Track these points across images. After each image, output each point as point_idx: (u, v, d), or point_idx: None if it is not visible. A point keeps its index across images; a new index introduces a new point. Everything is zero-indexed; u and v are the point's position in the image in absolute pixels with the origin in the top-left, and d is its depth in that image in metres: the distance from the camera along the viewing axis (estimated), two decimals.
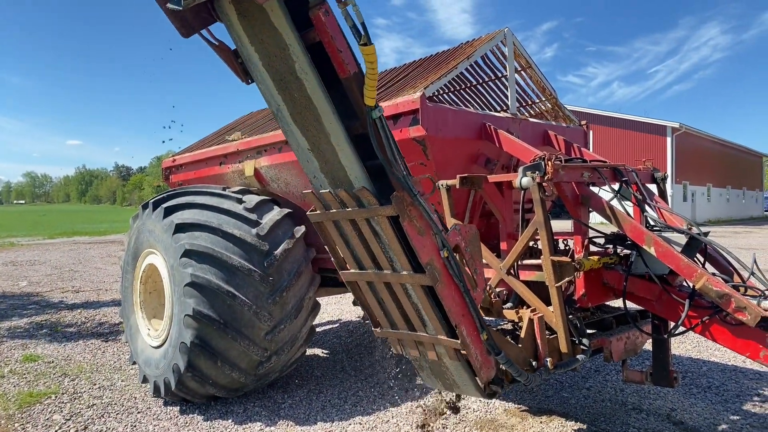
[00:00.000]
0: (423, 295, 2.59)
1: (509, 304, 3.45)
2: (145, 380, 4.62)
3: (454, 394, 3.45)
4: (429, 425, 3.82)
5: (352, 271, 2.84)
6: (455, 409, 3.67)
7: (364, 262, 2.71)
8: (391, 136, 2.34)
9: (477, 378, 2.78)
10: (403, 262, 2.52)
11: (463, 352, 2.66)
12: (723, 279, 2.85)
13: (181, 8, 1.99)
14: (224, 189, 4.77)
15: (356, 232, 2.61)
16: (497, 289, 3.47)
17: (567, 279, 3.00)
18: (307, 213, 2.76)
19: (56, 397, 4.61)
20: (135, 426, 4.00)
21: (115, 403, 4.44)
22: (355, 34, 2.15)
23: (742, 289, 2.75)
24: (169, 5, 2.01)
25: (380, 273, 2.67)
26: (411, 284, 2.59)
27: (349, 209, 2.51)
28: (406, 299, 2.70)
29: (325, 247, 2.88)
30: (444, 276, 2.53)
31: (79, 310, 8.29)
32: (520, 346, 2.97)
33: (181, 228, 4.18)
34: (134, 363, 4.87)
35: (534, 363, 2.97)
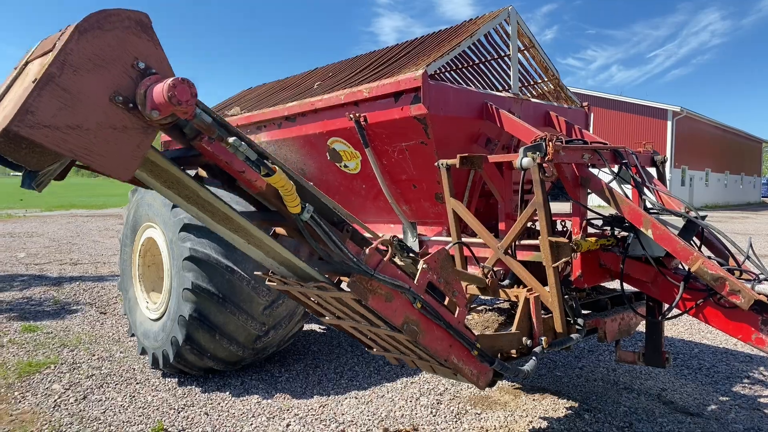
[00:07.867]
0: (408, 343, 2.56)
1: (506, 282, 3.48)
2: (143, 352, 4.67)
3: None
4: (423, 401, 3.88)
5: (330, 319, 2.79)
6: None
7: (342, 317, 2.67)
8: (327, 225, 2.17)
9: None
10: (381, 324, 2.46)
11: (456, 374, 2.68)
12: (718, 262, 2.88)
13: (38, 191, 1.84)
14: None
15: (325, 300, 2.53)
16: (494, 269, 3.50)
17: (564, 260, 3.03)
18: (267, 282, 2.65)
19: (55, 367, 4.66)
20: (134, 396, 4.05)
21: (114, 374, 4.50)
22: (254, 168, 1.93)
23: (736, 273, 2.78)
24: (24, 188, 1.83)
25: (360, 323, 2.61)
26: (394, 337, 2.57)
27: (312, 287, 2.38)
28: (394, 341, 2.65)
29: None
30: (423, 324, 2.45)
31: (77, 282, 8.33)
32: (514, 327, 2.99)
33: None
34: (133, 335, 4.92)
35: (529, 342, 3.01)
